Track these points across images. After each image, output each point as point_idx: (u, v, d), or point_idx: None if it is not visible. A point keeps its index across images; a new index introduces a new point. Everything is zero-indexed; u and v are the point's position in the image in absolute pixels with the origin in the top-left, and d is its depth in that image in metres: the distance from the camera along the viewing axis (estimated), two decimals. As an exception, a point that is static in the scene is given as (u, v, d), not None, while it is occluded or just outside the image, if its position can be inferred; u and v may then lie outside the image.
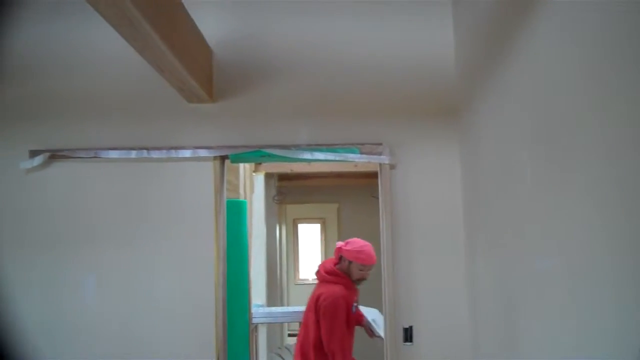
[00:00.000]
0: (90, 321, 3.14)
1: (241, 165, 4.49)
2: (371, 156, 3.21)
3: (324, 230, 10.37)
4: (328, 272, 3.63)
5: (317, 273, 3.72)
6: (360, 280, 3.63)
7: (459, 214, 3.19)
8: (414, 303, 3.16)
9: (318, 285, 3.68)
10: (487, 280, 2.77)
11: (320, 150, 3.22)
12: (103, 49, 3.23)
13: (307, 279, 10.58)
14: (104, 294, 3.16)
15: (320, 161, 3.29)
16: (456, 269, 3.17)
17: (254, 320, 4.62)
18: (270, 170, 5.88)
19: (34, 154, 3.14)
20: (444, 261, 3.19)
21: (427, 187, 3.24)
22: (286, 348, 6.23)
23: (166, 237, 3.17)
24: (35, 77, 3.27)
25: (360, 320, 3.90)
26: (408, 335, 3.15)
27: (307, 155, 3.22)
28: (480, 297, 2.92)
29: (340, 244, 3.65)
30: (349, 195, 8.67)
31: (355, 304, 3.64)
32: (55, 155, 3.15)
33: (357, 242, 3.64)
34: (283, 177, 7.15)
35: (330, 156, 3.22)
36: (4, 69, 3.27)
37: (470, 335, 3.08)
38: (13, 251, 3.16)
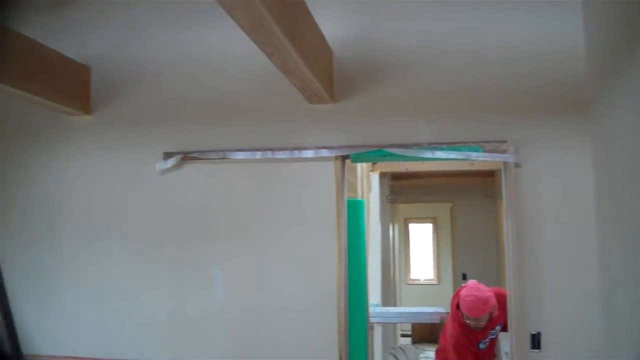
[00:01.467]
0: (217, 319, 3.28)
1: (358, 164, 4.51)
2: (495, 154, 3.10)
3: (436, 230, 10.19)
4: (453, 307, 3.65)
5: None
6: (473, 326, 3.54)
7: (590, 214, 3.00)
8: (542, 308, 3.01)
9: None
10: (627, 286, 2.58)
11: (442, 149, 3.16)
12: (230, 54, 3.39)
13: (419, 280, 10.45)
14: (230, 292, 3.29)
15: (441, 160, 3.23)
16: (587, 273, 2.98)
17: (372, 320, 4.63)
18: (384, 170, 5.87)
19: (167, 155, 3.34)
20: (574, 264, 3.01)
21: (556, 186, 3.07)
22: (400, 348, 6.18)
23: (289, 236, 3.26)
24: (168, 83, 3.48)
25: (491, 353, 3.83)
26: (535, 341, 3.01)
27: (428, 154, 3.17)
28: (617, 304, 2.73)
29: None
30: (462, 194, 8.48)
31: (484, 341, 3.59)
32: (187, 157, 3.34)
33: (470, 289, 3.55)
34: (396, 177, 7.11)
35: (452, 154, 3.15)
36: (139, 77, 3.52)
37: (603, 343, 2.89)
38: (144, 247, 3.39)
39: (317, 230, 3.23)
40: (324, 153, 3.23)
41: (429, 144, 3.18)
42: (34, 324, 3.29)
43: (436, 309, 5.42)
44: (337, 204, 3.23)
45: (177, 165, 3.35)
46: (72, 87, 3.39)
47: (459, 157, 3.14)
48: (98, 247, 3.46)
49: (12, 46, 2.86)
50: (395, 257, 7.72)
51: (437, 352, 4.02)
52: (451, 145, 3.14)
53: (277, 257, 3.26)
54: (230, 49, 3.37)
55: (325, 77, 3.13)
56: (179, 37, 3.49)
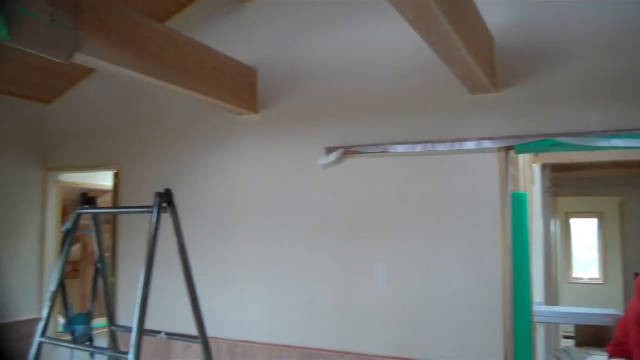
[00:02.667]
0: (379, 312, 3.31)
1: (520, 155, 4.30)
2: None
3: (602, 225, 9.43)
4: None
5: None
6: None
7: None
8: None
9: None
10: None
11: (619, 137, 2.89)
12: (390, 48, 3.40)
13: (582, 278, 9.75)
14: (392, 287, 3.30)
15: (618, 149, 2.96)
16: None
17: (536, 319, 4.40)
18: (546, 161, 5.53)
19: (330, 150, 3.44)
20: None
21: None
22: (564, 351, 5.80)
23: (451, 229, 3.19)
24: (329, 80, 3.58)
25: None
26: None
27: (602, 143, 2.92)
28: None
29: None
30: (634, 187, 7.75)
31: None
32: (348, 151, 3.40)
33: None
34: (557, 168, 6.68)
35: (630, 143, 2.87)
36: (301, 75, 3.66)
37: None
38: (309, 240, 3.52)
39: (479, 224, 3.13)
40: (487, 144, 3.12)
41: (603, 131, 2.93)
42: (217, 311, 3.56)
43: (608, 310, 5.01)
44: (500, 197, 3.10)
45: (339, 160, 3.42)
46: (242, 88, 3.62)
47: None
48: (269, 239, 3.65)
49: (190, 53, 3.13)
50: (557, 253, 7.27)
51: (612, 346, 3.65)
52: (630, 132, 2.87)
53: (439, 251, 3.21)
54: (389, 43, 3.39)
55: (488, 64, 3.02)
56: (339, 34, 3.57)
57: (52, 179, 4.72)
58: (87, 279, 7.04)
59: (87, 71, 4.49)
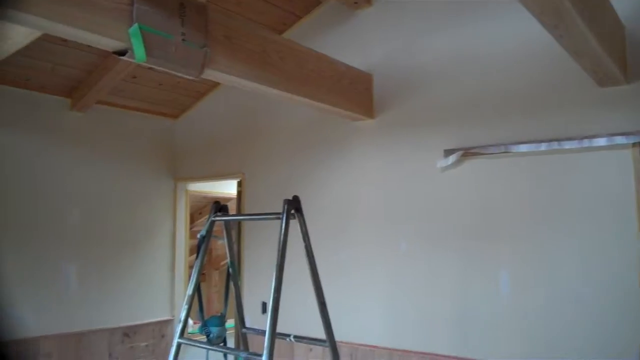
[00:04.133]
0: (502, 318, 3.19)
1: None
2: None
3: None
4: None
5: None
6: None
7: None
8: None
9: None
10: None
11: None
12: (507, 45, 3.28)
13: None
14: (517, 292, 3.17)
15: None
16: None
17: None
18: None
19: (448, 152, 3.38)
20: None
21: None
22: None
23: (579, 231, 3.01)
24: (446, 81, 3.52)
25: None
26: None
27: None
28: None
29: None
30: None
31: None
32: (467, 153, 3.32)
33: None
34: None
35: None
36: (417, 78, 3.64)
37: None
38: (428, 244, 3.48)
39: (610, 225, 2.93)
40: (620, 140, 2.91)
41: None
42: (337, 314, 3.61)
43: None
44: (637, 196, 2.89)
45: (458, 162, 3.35)
46: (358, 94, 3.66)
47: None
48: (388, 243, 3.65)
49: (308, 62, 3.21)
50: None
51: None
52: None
53: (567, 254, 3.03)
54: (507, 39, 3.28)
55: (618, 55, 2.83)
56: (454, 34, 3.51)
57: (181, 189, 5.04)
58: (212, 283, 7.43)
59: (211, 86, 4.76)
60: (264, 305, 4.26)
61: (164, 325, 4.83)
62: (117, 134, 4.62)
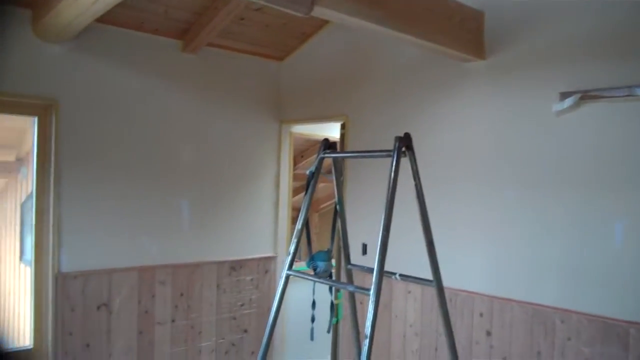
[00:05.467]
0: (614, 271, 3.03)
1: None
2: None
3: None
4: None
5: None
6: None
7: None
8: None
9: None
10: None
11: None
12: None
13: None
14: (633, 243, 2.99)
15: None
16: None
17: None
18: None
19: (564, 96, 3.18)
20: None
21: None
22: None
23: None
24: (564, 16, 3.26)
25: None
26: None
27: None
28: None
29: None
30: None
31: None
32: (585, 96, 3.11)
33: None
34: None
35: None
36: (532, 16, 3.41)
37: None
38: (538, 192, 3.33)
39: None
40: None
41: None
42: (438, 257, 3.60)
43: None
44: None
45: (575, 106, 3.15)
46: (469, 33, 3.51)
47: None
48: (494, 189, 3.55)
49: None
50: None
51: None
52: None
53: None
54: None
55: None
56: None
57: (285, 131, 5.15)
58: (312, 224, 7.62)
59: (317, 27, 4.74)
60: (364, 246, 4.32)
61: (268, 262, 5.04)
62: (225, 76, 4.75)
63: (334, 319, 3.16)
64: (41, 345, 3.87)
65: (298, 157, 6.68)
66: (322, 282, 2.61)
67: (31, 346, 3.87)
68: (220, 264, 4.70)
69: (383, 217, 2.32)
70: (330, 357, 4.75)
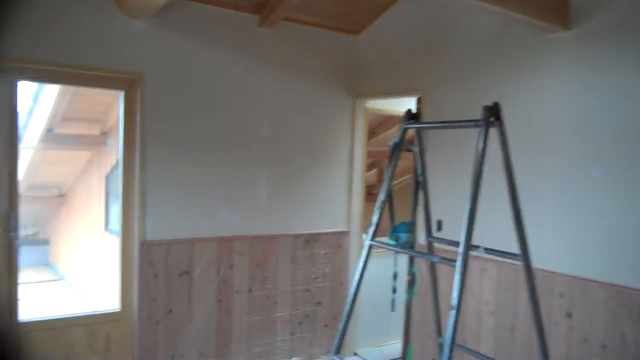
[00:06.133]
0: None
1: None
2: None
3: None
4: None
5: None
6: None
7: None
8: None
9: None
10: None
11: None
12: None
13: None
14: None
15: None
16: None
17: None
18: None
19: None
20: None
21: None
22: None
23: None
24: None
25: None
26: None
27: None
28: None
29: None
30: None
31: None
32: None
33: None
34: None
35: None
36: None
37: None
38: (618, 169, 3.17)
39: None
40: None
41: None
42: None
43: None
44: None
45: (675, 76, 2.97)
46: (553, 1, 3.34)
47: None
48: (577, 166, 3.39)
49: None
50: None
51: None
52: None
53: None
54: None
55: None
56: None
57: (359, 106, 5.12)
58: (382, 202, 7.58)
59: (392, 0, 4.67)
60: (439, 223, 4.27)
61: (341, 236, 5.07)
62: (301, 51, 4.76)
63: (407, 295, 3.16)
64: (127, 308, 4.08)
65: (369, 134, 6.65)
66: (405, 253, 2.60)
67: (119, 309, 4.09)
68: (296, 237, 4.77)
69: (471, 188, 2.28)
70: (402, 334, 4.76)
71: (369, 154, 5.86)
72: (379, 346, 5.38)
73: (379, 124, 6.88)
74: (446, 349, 2.10)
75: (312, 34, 4.82)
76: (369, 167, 7.15)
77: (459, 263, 2.18)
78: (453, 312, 2.12)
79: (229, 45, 4.35)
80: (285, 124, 4.68)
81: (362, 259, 2.59)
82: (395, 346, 5.30)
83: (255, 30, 4.49)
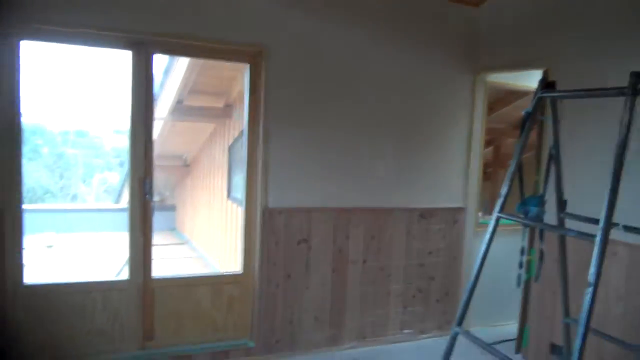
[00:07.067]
0: None
1: None
2: None
3: None
4: None
5: None
6: None
7: None
8: None
9: None
10: None
11: None
12: None
13: None
14: None
15: None
16: None
17: None
18: None
19: None
20: None
21: None
22: None
23: None
24: None
25: None
26: None
27: None
28: None
29: None
30: None
31: None
32: None
33: None
34: None
35: None
36: None
37: None
38: None
39: None
40: None
41: None
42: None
43: None
44: None
45: None
46: None
47: None
48: None
49: None
50: None
51: None
52: None
53: None
54: None
55: None
56: None
57: (480, 81, 4.96)
58: (499, 181, 7.37)
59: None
60: (564, 202, 4.07)
61: (457, 213, 4.99)
62: (421, 23, 4.68)
63: (526, 275, 3.07)
64: (249, 271, 4.28)
65: (488, 108, 6.44)
66: (536, 226, 2.52)
67: (241, 272, 4.31)
68: (411, 211, 4.76)
69: (613, 160, 2.16)
70: (519, 314, 4.64)
71: (486, 132, 5.70)
72: (491, 326, 5.28)
73: (497, 100, 6.65)
74: (580, 328, 2.03)
75: (433, 4, 4.71)
76: (485, 144, 6.95)
77: (598, 238, 2.08)
78: (590, 289, 2.04)
79: (351, 19, 4.37)
80: (404, 99, 4.64)
81: (490, 230, 2.55)
82: (508, 327, 5.18)
83: (374, 5, 4.46)
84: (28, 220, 3.72)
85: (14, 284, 3.62)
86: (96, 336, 3.86)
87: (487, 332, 5.09)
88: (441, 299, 4.99)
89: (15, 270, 3.63)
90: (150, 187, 3.97)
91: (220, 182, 8.03)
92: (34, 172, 15.18)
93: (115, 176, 16.40)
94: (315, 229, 4.36)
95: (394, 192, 4.67)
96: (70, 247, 9.14)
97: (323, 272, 4.43)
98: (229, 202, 7.56)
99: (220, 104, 7.48)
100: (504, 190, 2.58)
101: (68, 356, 3.78)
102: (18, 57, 3.50)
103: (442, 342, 4.51)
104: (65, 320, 3.76)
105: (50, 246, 8.91)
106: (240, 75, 6.46)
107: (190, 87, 6.85)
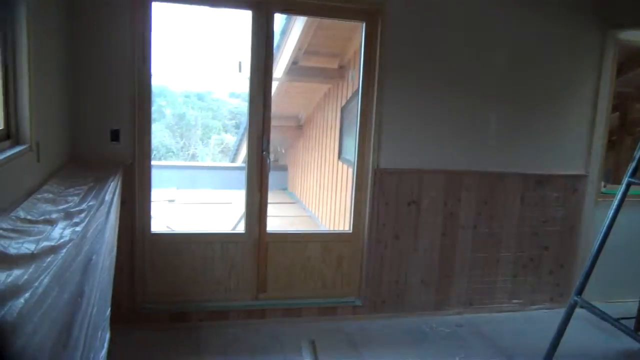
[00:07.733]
0: None
1: None
2: None
3: None
4: None
5: None
6: None
7: None
8: None
9: None
10: None
11: None
12: None
13: None
14: None
15: None
16: None
17: None
18: None
19: None
20: None
21: None
22: None
23: None
24: None
25: None
26: None
27: None
28: None
29: None
30: None
31: None
32: None
33: None
34: None
35: None
36: None
37: None
38: None
39: None
40: None
41: None
42: None
43: None
44: None
45: None
46: None
47: None
48: None
49: None
50: None
51: None
52: None
53: None
54: None
55: None
56: None
57: (610, 37, 4.59)
58: (623, 150, 6.85)
59: None
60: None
61: (577, 180, 4.73)
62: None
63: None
64: (358, 231, 4.36)
65: (620, 68, 5.95)
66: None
67: (350, 231, 4.39)
68: (526, 176, 4.58)
69: None
70: (641, 289, 4.37)
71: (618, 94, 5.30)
72: (607, 302, 5.01)
73: (627, 59, 6.11)
74: None
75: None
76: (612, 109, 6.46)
77: None
78: None
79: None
80: (520, 59, 4.42)
81: (618, 197, 2.41)
82: (626, 305, 4.89)
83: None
84: (153, 176, 4.01)
85: (143, 231, 3.94)
86: (214, 284, 4.14)
87: (602, 308, 4.85)
88: (554, 270, 4.80)
89: (144, 219, 3.95)
90: (267, 145, 4.13)
91: (331, 143, 8.15)
92: (157, 132, 16.16)
93: (230, 138, 17.10)
94: (426, 192, 4.33)
95: (508, 156, 4.51)
96: (190, 202, 9.73)
97: (432, 235, 4.42)
98: (340, 163, 7.67)
99: (334, 65, 7.53)
100: (637, 153, 2.42)
101: (188, 301, 4.09)
102: (150, 18, 3.73)
103: (553, 314, 4.38)
104: (187, 267, 4.06)
105: (172, 200, 9.53)
106: (355, 36, 6.46)
107: (306, 48, 6.95)
